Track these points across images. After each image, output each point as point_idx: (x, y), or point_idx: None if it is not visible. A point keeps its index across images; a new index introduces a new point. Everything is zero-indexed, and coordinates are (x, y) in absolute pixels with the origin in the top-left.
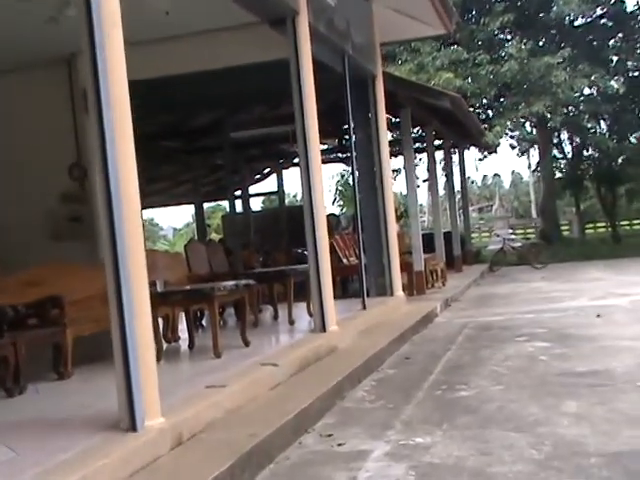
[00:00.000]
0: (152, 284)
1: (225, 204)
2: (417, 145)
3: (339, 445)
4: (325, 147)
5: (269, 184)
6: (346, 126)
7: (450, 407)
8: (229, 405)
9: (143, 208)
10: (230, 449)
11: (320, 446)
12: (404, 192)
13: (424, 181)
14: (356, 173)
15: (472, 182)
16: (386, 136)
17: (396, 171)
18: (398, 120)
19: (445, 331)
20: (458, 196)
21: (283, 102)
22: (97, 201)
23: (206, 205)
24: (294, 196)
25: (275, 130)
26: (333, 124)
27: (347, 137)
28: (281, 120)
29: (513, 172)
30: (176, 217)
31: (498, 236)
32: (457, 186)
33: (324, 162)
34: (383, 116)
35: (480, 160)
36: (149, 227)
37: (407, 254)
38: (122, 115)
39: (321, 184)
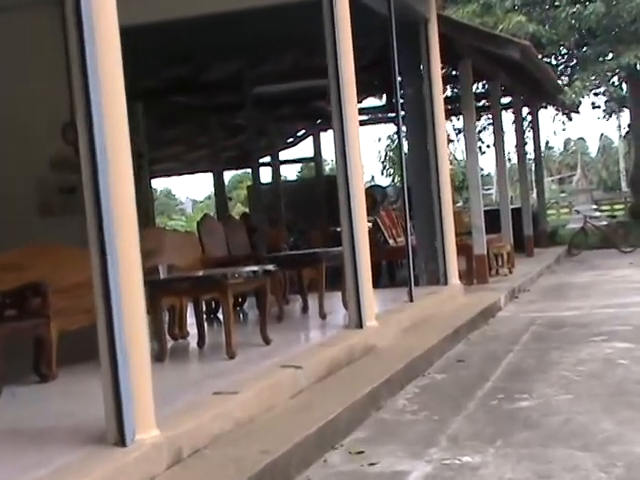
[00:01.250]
0: (154, 270)
1: (256, 173)
2: (480, 103)
3: (371, 465)
4: (372, 105)
5: (305, 149)
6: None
7: (507, 420)
8: (240, 415)
9: (155, 176)
10: (238, 468)
11: (348, 465)
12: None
13: (489, 146)
14: (404, 137)
15: (551, 148)
16: (441, 92)
17: (458, 131)
18: (456, 73)
19: (508, 328)
20: (532, 165)
21: (319, 50)
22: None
23: (229, 174)
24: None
25: (310, 84)
26: (380, 77)
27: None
28: (317, 72)
29: (602, 136)
30: (197, 188)
31: (578, 213)
32: (531, 152)
33: (371, 123)
34: (438, 68)
35: (562, 122)
36: (164, 199)
37: (466, 235)
38: (111, 66)
39: (358, 149)
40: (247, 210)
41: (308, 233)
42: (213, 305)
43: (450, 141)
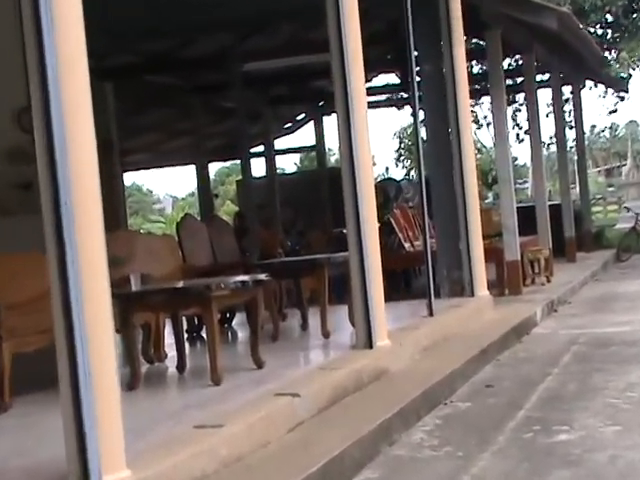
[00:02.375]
0: (125, 280)
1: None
2: (511, 81)
3: None
4: (383, 84)
5: (305, 137)
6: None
7: (543, 456)
8: (227, 453)
9: (127, 170)
10: None
11: None
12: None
13: (526, 132)
14: (421, 121)
15: (597, 134)
16: (465, 68)
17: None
18: (483, 46)
19: (546, 347)
20: (574, 154)
21: (320, 20)
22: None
23: (215, 166)
24: None
25: (310, 60)
26: (393, 51)
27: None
28: (318, 46)
29: None
30: (177, 183)
31: (629, 210)
32: (572, 139)
33: (383, 105)
34: (461, 41)
35: (611, 104)
36: (138, 197)
37: (496, 237)
38: (72, 39)
39: (367, 137)
40: (238, 209)
41: (308, 236)
42: (195, 322)
43: (479, 126)
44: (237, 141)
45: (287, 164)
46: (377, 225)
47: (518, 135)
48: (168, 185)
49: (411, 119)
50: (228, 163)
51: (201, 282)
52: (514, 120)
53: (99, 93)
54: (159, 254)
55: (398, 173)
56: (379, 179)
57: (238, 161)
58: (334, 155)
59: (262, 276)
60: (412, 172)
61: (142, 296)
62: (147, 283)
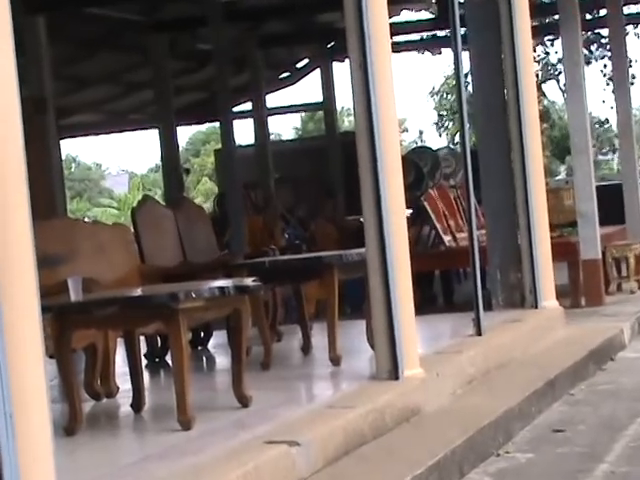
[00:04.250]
0: (61, 287)
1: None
2: (590, 16)
3: None
4: (414, 19)
5: (308, 90)
6: None
7: None
8: None
9: (66, 136)
10: None
11: None
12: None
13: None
14: (467, 72)
15: None
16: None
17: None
18: None
19: (635, 378)
20: None
21: None
22: None
23: (187, 131)
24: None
25: None
26: None
27: None
28: None
29: None
30: (135, 154)
31: None
32: None
33: (413, 48)
34: None
35: None
36: (82, 173)
37: (568, 227)
38: None
39: (391, 91)
40: (217, 189)
41: (312, 226)
42: (158, 343)
43: (546, 77)
44: (216, 96)
45: (284, 128)
46: (406, 211)
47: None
48: (122, 157)
49: (452, 67)
50: (204, 126)
51: (165, 289)
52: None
53: (28, 31)
54: (109, 251)
55: (436, 141)
56: (410, 148)
57: (217, 124)
58: (348, 115)
59: (249, 281)
60: (455, 139)
61: (85, 308)
62: (92, 291)
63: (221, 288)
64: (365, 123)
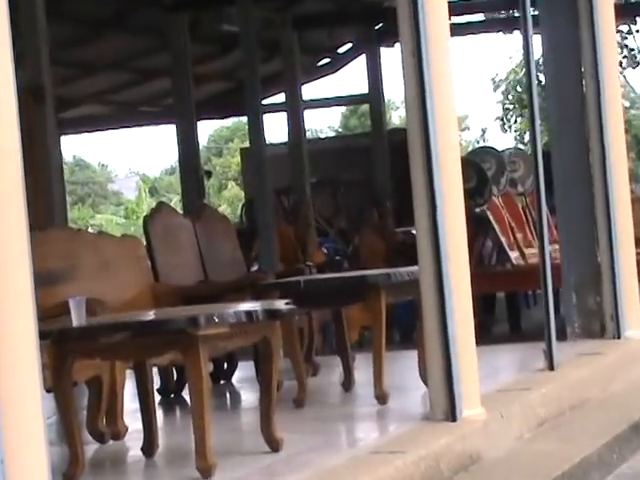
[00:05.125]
0: (62, 308)
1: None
2: None
3: None
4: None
5: (352, 80)
6: None
7: None
8: None
9: (67, 132)
10: None
11: None
12: None
13: None
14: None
15: None
16: None
17: None
18: None
19: None
20: None
21: None
22: None
23: (208, 126)
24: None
25: None
26: None
27: None
28: None
29: None
30: (148, 154)
31: None
32: None
33: (476, 31)
34: None
35: None
36: (85, 175)
37: None
38: None
39: (449, 80)
40: (244, 194)
41: (356, 238)
42: (173, 376)
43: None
44: (243, 86)
45: (322, 124)
46: (465, 222)
47: None
48: (132, 157)
49: (521, 53)
50: (229, 121)
51: (183, 312)
52: None
53: (24, 8)
54: (116, 267)
55: (501, 140)
56: (471, 149)
57: (244, 118)
58: (397, 109)
59: (281, 304)
60: (524, 138)
61: (88, 334)
62: (97, 314)
63: (248, 312)
64: (418, 119)
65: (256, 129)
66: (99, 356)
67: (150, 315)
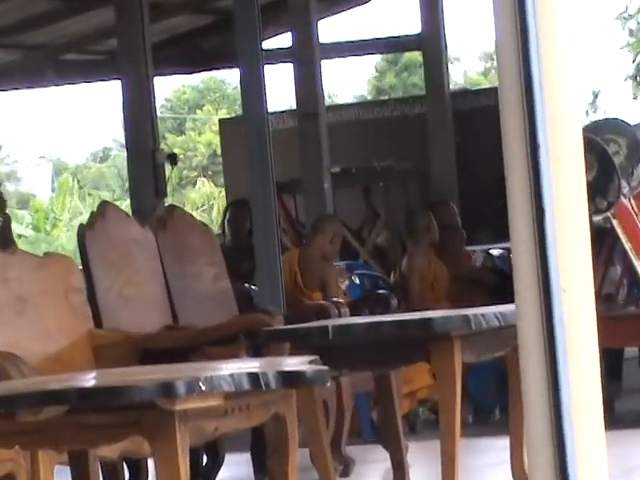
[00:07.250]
0: None
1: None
2: None
3: None
4: None
5: (391, 17)
6: None
7: None
8: None
9: None
10: None
11: None
12: None
13: None
14: None
15: None
16: None
17: None
18: None
19: None
20: None
21: None
22: None
23: (172, 83)
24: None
25: None
26: None
27: None
28: None
29: None
30: (73, 129)
31: None
32: None
33: None
34: None
35: None
36: None
37: None
38: None
39: (564, 16)
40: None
41: (403, 261)
42: (125, 475)
43: None
44: (228, 22)
45: (347, 85)
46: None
47: None
48: (43, 135)
49: None
50: (198, 77)
51: (149, 375)
52: None
53: None
54: (36, 305)
55: (629, 110)
56: (591, 124)
57: (221, 73)
58: (459, 62)
59: (304, 363)
60: None
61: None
62: (11, 377)
63: (254, 375)
64: (516, 76)
65: (254, 88)
66: (15, 443)
67: (90, 379)
